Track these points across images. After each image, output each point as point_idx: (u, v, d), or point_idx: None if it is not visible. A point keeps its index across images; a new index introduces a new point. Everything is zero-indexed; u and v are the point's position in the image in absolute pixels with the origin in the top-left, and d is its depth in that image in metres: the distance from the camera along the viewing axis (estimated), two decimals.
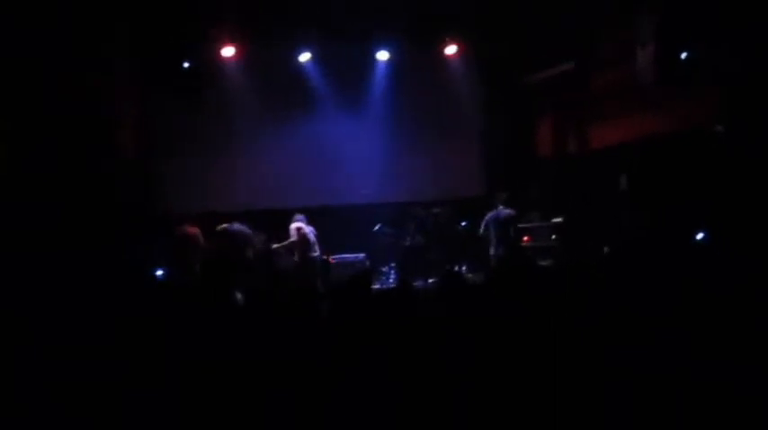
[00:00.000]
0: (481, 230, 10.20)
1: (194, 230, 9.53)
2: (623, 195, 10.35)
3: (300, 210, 10.32)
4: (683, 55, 8.83)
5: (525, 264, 8.45)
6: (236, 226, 9.67)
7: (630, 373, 3.63)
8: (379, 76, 12.07)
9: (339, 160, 11.84)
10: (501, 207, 9.93)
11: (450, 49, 12.16)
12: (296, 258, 10.05)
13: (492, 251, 10.04)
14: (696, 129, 9.04)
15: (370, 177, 11.58)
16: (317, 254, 10.09)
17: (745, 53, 8.15)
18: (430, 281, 10.40)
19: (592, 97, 11.46)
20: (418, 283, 10.18)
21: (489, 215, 10.13)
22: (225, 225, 9.66)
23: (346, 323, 4.42)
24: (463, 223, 11.36)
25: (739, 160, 8.20)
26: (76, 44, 9.19)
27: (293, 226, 10.00)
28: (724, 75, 8.54)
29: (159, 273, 9.85)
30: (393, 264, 11.02)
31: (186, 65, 10.42)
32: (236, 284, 8.52)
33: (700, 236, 8.70)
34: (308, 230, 10.06)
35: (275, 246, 10.13)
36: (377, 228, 11.15)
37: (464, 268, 10.91)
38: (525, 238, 11.07)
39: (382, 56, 11.92)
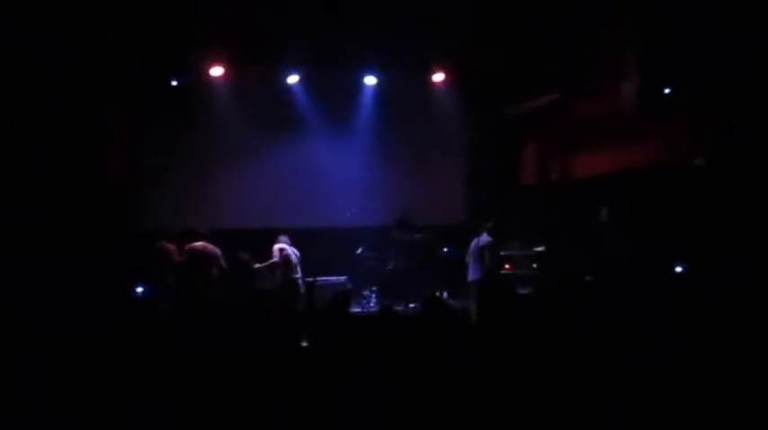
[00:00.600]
0: (466, 257, 10.20)
1: (170, 247, 9.53)
2: (604, 225, 10.39)
3: (284, 231, 10.29)
4: (667, 89, 8.88)
5: (503, 292, 8.49)
6: (201, 244, 9.57)
7: (612, 395, 3.66)
8: (367, 100, 12.11)
9: (324, 182, 11.84)
10: (484, 234, 9.92)
11: (438, 77, 12.22)
12: (277, 278, 9.98)
13: (469, 277, 10.00)
14: (677, 162, 9.12)
15: (355, 200, 11.49)
16: (298, 275, 10.02)
17: (724, 89, 8.25)
18: (411, 305, 10.36)
19: (576, 127, 11.56)
20: (399, 308, 10.13)
21: (472, 242, 10.13)
22: (192, 244, 9.58)
23: (325, 346, 4.40)
24: (446, 249, 11.33)
25: (719, 194, 8.26)
26: (66, 56, 9.15)
27: (276, 246, 9.98)
28: (706, 109, 8.63)
29: (140, 289, 9.79)
30: (374, 288, 10.96)
31: (175, 83, 10.33)
32: (199, 301, 8.56)
33: (678, 269, 8.76)
34: (291, 251, 10.02)
35: (257, 265, 10.05)
36: (359, 251, 11.11)
37: (445, 294, 10.85)
38: (507, 266, 11.05)
39: (370, 80, 11.96)
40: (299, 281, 10.08)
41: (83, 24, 9.25)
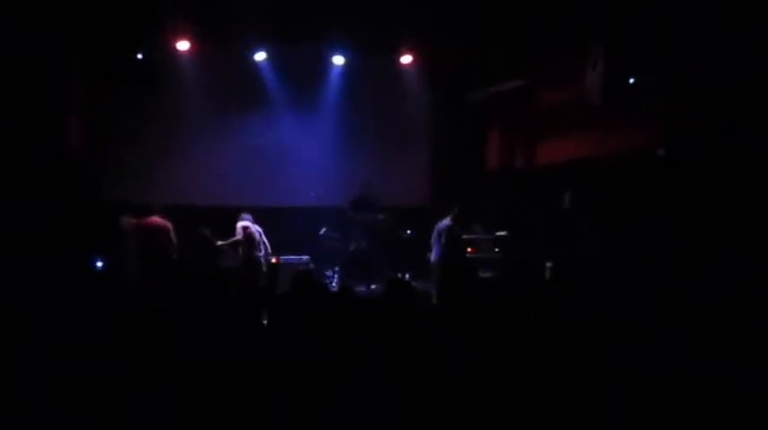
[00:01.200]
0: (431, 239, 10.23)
1: (130, 221, 9.77)
2: (566, 212, 10.49)
3: (248, 209, 10.25)
4: (631, 80, 8.93)
5: (465, 275, 8.54)
6: (154, 218, 9.70)
7: (569, 375, 3.68)
8: (334, 80, 12.00)
9: (289, 161, 11.82)
10: (447, 218, 9.94)
11: (406, 59, 12.14)
12: (240, 256, 9.91)
13: (431, 259, 10.04)
14: (639, 151, 9.20)
15: (319, 180, 11.47)
16: (261, 253, 9.98)
17: (690, 80, 8.32)
18: (373, 286, 10.37)
19: (540, 114, 11.63)
20: (361, 289, 10.12)
21: (436, 225, 10.17)
22: (146, 218, 9.69)
23: (286, 326, 4.37)
24: (408, 231, 11.34)
25: (679, 183, 8.37)
26: (25, 23, 8.94)
27: (239, 224, 9.92)
28: (669, 101, 8.70)
29: (99, 264, 9.71)
30: (336, 269, 10.94)
31: (139, 56, 10.13)
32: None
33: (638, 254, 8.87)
34: (254, 229, 9.94)
35: (220, 243, 9.98)
36: (322, 232, 11.08)
37: (407, 275, 10.86)
38: (469, 250, 11.08)
39: (338, 60, 11.84)
40: (262, 259, 10.01)
41: None
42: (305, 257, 10.73)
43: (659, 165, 8.87)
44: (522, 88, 11.65)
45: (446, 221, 9.93)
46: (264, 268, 10.06)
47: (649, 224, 8.67)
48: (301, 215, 11.20)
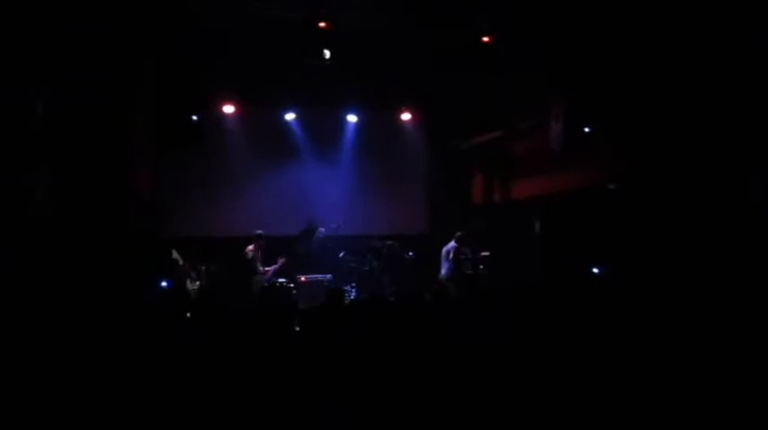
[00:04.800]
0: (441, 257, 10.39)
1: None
2: (537, 236, 10.65)
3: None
4: (587, 129, 9.16)
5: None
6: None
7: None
8: (349, 133, 12.27)
9: (314, 200, 11.89)
10: (452, 241, 10.16)
11: (406, 116, 12.48)
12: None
13: (440, 274, 10.23)
14: (594, 186, 9.40)
15: (338, 214, 11.61)
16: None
17: (631, 128, 8.54)
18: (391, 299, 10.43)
19: (513, 159, 11.83)
20: None
21: (444, 247, 10.35)
22: None
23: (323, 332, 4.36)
24: (410, 253, 11.52)
25: (627, 211, 8.55)
26: (103, 94, 9.25)
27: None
28: (617, 144, 8.92)
29: (163, 284, 9.82)
30: (354, 285, 11.08)
31: (194, 118, 10.47)
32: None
33: (595, 270, 9.04)
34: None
35: (266, 269, 10.10)
36: (341, 255, 11.24)
37: (410, 289, 10.93)
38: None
39: (351, 118, 12.16)
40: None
41: (120, 73, 9.35)
42: (328, 276, 10.83)
43: (611, 196, 9.06)
44: (499, 138, 11.86)
45: (452, 244, 10.13)
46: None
47: (603, 244, 8.82)
48: (325, 242, 11.30)
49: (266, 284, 9.81)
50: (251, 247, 10.05)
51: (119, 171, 9.90)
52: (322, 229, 11.28)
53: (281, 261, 10.20)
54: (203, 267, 10.05)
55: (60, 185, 8.62)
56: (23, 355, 3.69)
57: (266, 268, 10.10)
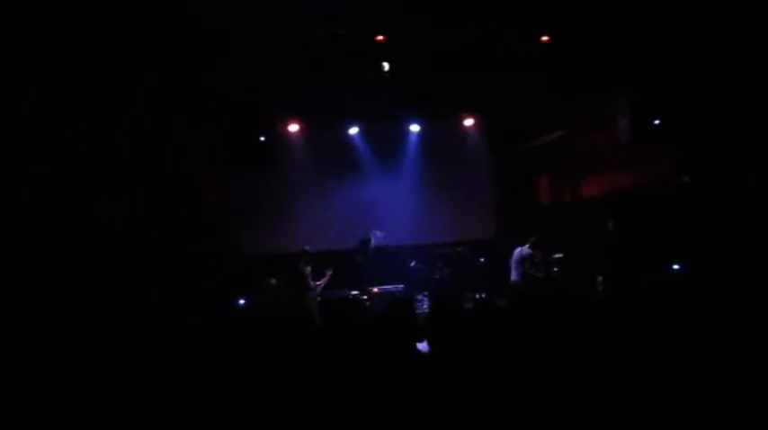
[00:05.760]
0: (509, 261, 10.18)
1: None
2: (611, 235, 10.34)
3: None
4: (656, 122, 8.93)
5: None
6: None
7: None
8: (412, 143, 12.36)
9: (379, 211, 11.97)
10: (526, 246, 9.95)
11: (468, 122, 12.44)
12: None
13: (512, 279, 10.01)
14: (667, 179, 9.13)
15: (406, 224, 11.72)
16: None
17: (702, 117, 8.28)
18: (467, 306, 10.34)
19: (580, 156, 11.60)
20: None
21: (515, 251, 10.11)
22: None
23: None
24: (481, 259, 11.43)
25: (705, 204, 8.27)
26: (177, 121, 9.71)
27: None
28: (688, 135, 8.66)
29: (241, 301, 10.06)
30: (426, 293, 11.08)
31: (262, 138, 10.82)
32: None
33: (676, 267, 8.72)
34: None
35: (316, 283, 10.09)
36: (412, 264, 11.26)
37: (483, 295, 10.88)
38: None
39: (414, 128, 12.24)
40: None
41: (192, 110, 9.78)
42: (400, 286, 10.88)
43: (686, 189, 8.79)
44: (564, 136, 11.68)
45: (526, 249, 9.93)
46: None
47: (683, 240, 8.55)
48: (393, 253, 11.35)
49: (319, 299, 9.81)
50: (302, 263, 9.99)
51: (191, 191, 10.37)
52: (377, 233, 11.14)
53: (328, 274, 10.09)
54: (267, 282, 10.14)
55: (138, 209, 9.09)
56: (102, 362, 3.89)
57: (316, 283, 10.02)
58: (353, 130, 11.93)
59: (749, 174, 7.45)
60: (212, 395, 3.39)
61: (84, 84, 6.96)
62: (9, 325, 5.20)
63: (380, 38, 8.91)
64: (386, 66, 9.17)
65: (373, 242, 11.13)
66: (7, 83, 5.97)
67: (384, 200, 12.03)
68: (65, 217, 6.56)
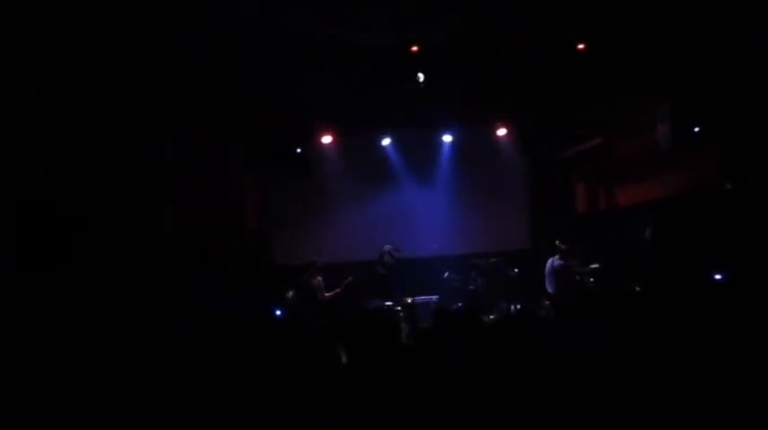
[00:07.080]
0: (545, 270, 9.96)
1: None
2: (649, 243, 10.14)
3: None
4: (696, 129, 8.76)
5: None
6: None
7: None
8: (445, 154, 12.30)
9: (413, 221, 11.97)
10: (557, 256, 9.72)
11: (501, 131, 12.34)
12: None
13: (548, 290, 9.79)
14: (707, 187, 8.92)
15: (439, 234, 11.65)
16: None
17: (742, 123, 8.09)
18: (491, 317, 10.25)
19: (617, 164, 11.41)
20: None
21: (549, 260, 9.88)
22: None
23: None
24: (515, 270, 11.28)
25: (747, 211, 8.04)
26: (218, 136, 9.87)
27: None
28: (729, 141, 8.45)
29: (278, 312, 10.09)
30: (460, 304, 10.94)
31: (298, 150, 10.94)
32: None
33: (718, 277, 8.47)
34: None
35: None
36: (446, 275, 11.17)
37: (518, 307, 10.73)
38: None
39: (447, 138, 12.19)
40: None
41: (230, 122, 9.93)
42: (434, 297, 10.74)
43: (728, 197, 8.56)
44: (600, 144, 11.51)
45: (558, 260, 9.72)
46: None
47: (724, 249, 8.32)
48: (427, 263, 11.32)
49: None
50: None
51: (233, 203, 10.52)
52: (387, 247, 10.94)
53: (344, 283, 10.00)
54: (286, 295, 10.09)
55: (182, 218, 9.26)
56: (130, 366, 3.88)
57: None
58: (386, 141, 11.95)
59: None
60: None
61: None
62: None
63: (415, 48, 8.89)
64: (421, 77, 9.15)
65: (386, 256, 10.90)
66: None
67: (418, 210, 12.02)
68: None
